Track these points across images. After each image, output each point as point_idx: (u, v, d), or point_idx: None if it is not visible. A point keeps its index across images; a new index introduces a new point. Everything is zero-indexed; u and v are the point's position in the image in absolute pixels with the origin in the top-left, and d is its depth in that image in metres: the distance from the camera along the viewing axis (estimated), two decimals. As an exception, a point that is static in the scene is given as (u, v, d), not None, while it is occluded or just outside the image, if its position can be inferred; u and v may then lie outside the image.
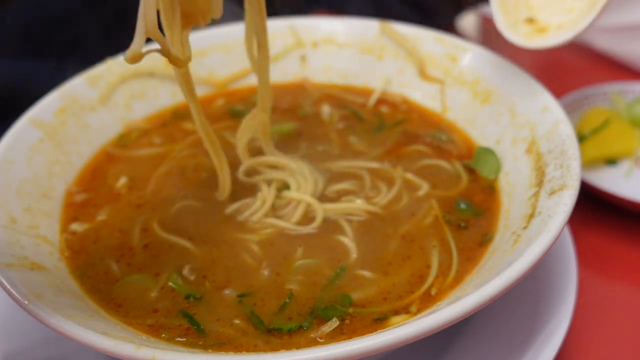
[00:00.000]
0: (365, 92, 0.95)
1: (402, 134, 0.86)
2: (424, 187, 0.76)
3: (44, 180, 0.76)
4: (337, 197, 0.75)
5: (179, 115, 0.92)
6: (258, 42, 0.72)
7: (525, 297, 0.71)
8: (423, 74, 0.92)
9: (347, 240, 0.69)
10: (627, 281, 0.84)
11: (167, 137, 0.88)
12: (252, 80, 0.98)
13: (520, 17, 0.74)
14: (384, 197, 0.74)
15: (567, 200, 0.61)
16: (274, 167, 0.79)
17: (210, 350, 0.58)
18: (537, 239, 0.56)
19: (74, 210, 0.75)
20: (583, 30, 0.69)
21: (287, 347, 0.57)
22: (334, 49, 0.98)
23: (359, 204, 0.73)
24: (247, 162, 0.78)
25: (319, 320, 0.60)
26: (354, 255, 0.67)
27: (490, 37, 1.41)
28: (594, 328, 0.76)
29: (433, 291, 0.63)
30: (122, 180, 0.79)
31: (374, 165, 0.80)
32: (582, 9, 0.71)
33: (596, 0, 0.69)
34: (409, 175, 0.78)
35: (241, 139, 0.76)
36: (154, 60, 0.93)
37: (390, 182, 0.77)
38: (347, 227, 0.71)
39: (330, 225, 0.71)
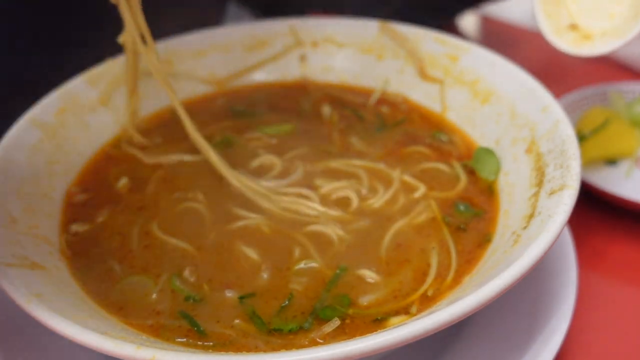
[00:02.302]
0: (365, 92, 0.95)
1: (403, 134, 0.86)
2: (423, 189, 0.76)
3: (44, 180, 0.76)
4: (334, 196, 0.75)
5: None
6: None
7: (525, 297, 0.71)
8: (423, 74, 0.92)
9: (345, 241, 0.69)
10: (627, 281, 0.84)
11: (168, 137, 0.88)
12: (253, 80, 0.98)
13: (563, 24, 0.74)
14: (381, 197, 0.75)
15: (567, 200, 0.61)
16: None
17: (210, 351, 0.58)
18: (537, 239, 0.56)
19: (74, 210, 0.75)
20: (631, 38, 0.69)
21: (288, 347, 0.57)
22: (334, 49, 0.98)
23: (355, 204, 0.73)
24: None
25: (320, 320, 0.60)
26: (353, 255, 0.67)
27: (490, 37, 1.41)
28: (594, 328, 0.76)
29: (430, 292, 0.63)
30: (123, 181, 0.79)
31: (373, 165, 0.80)
32: (625, 15, 0.71)
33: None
34: (408, 177, 0.78)
35: None
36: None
37: (388, 183, 0.77)
38: (344, 228, 0.71)
39: (327, 226, 0.71)
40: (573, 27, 0.73)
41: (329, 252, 0.68)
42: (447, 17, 1.39)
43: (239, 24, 1.00)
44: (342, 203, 0.74)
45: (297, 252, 0.68)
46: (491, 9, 1.43)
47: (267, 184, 0.77)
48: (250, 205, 0.74)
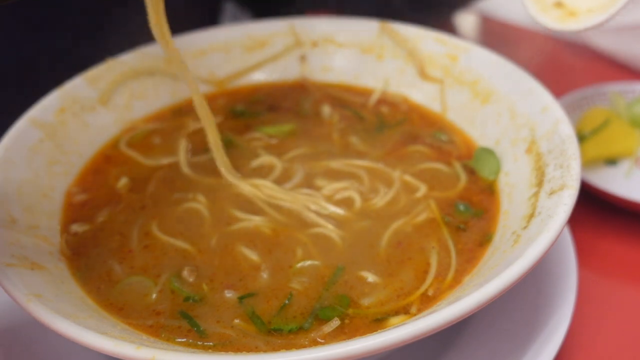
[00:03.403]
0: (365, 92, 0.95)
1: (403, 134, 0.86)
2: (423, 189, 0.76)
3: (44, 180, 0.76)
4: (336, 197, 0.75)
5: (179, 114, 0.92)
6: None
7: (525, 297, 0.71)
8: (423, 74, 0.92)
9: (347, 242, 0.69)
10: (627, 281, 0.84)
11: (168, 137, 0.88)
12: (253, 80, 0.98)
13: (549, 2, 0.74)
14: (382, 197, 0.75)
15: (567, 200, 0.61)
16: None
17: (210, 351, 0.58)
18: (537, 239, 0.56)
19: (74, 210, 0.75)
20: (616, 12, 0.68)
21: (288, 347, 0.57)
22: (334, 49, 0.98)
23: (357, 204, 0.74)
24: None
25: (320, 320, 0.60)
26: (354, 255, 0.67)
27: (490, 37, 1.41)
28: (594, 328, 0.76)
29: (430, 291, 0.63)
30: (123, 181, 0.79)
31: (373, 165, 0.80)
32: None
33: None
34: (408, 177, 0.78)
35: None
36: (154, 60, 0.93)
37: (388, 183, 0.77)
38: (346, 228, 0.71)
39: (327, 226, 0.71)
40: (558, 4, 0.73)
41: (330, 252, 0.68)
42: (444, 15, 1.39)
43: (239, 24, 1.00)
44: (344, 203, 0.74)
45: (299, 252, 0.68)
46: (488, 6, 1.43)
47: (266, 183, 0.77)
48: (250, 206, 0.74)
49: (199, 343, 0.59)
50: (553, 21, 0.73)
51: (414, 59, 0.93)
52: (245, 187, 0.76)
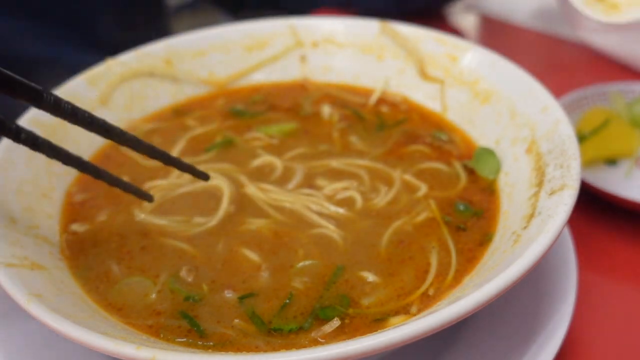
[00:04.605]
0: (365, 92, 0.95)
1: (403, 133, 0.86)
2: (423, 189, 0.76)
3: (44, 180, 0.76)
4: (337, 197, 0.75)
5: (179, 113, 0.93)
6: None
7: (525, 297, 0.71)
8: (423, 74, 0.92)
9: (346, 241, 0.69)
10: (627, 281, 0.84)
11: (167, 137, 0.88)
12: (253, 80, 0.98)
13: None
14: (383, 197, 0.75)
15: (567, 200, 0.61)
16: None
17: (210, 351, 0.58)
18: (537, 239, 0.56)
19: (74, 210, 0.75)
20: None
21: (288, 347, 0.57)
22: (334, 49, 0.98)
23: (359, 204, 0.73)
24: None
25: (320, 320, 0.60)
26: (355, 255, 0.67)
27: (490, 37, 1.41)
28: (594, 328, 0.76)
29: (431, 292, 0.63)
30: (122, 181, 0.79)
31: (374, 165, 0.80)
32: None
33: None
34: (408, 176, 0.78)
35: None
36: (154, 60, 0.93)
37: (389, 183, 0.77)
38: (347, 228, 0.71)
39: (328, 226, 0.71)
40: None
41: (331, 251, 0.68)
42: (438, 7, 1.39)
43: (239, 24, 1.00)
44: (345, 203, 0.74)
45: (300, 252, 0.68)
46: (488, 6, 1.43)
47: (270, 187, 0.77)
48: (251, 207, 0.74)
49: (199, 343, 0.59)
50: (599, 15, 0.74)
51: (414, 59, 0.93)
52: (257, 192, 0.75)
